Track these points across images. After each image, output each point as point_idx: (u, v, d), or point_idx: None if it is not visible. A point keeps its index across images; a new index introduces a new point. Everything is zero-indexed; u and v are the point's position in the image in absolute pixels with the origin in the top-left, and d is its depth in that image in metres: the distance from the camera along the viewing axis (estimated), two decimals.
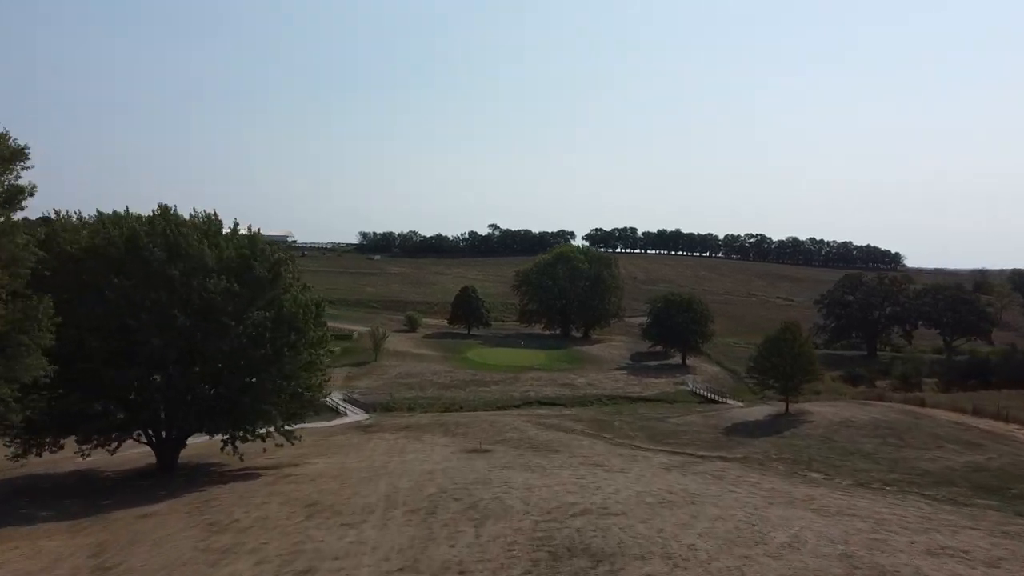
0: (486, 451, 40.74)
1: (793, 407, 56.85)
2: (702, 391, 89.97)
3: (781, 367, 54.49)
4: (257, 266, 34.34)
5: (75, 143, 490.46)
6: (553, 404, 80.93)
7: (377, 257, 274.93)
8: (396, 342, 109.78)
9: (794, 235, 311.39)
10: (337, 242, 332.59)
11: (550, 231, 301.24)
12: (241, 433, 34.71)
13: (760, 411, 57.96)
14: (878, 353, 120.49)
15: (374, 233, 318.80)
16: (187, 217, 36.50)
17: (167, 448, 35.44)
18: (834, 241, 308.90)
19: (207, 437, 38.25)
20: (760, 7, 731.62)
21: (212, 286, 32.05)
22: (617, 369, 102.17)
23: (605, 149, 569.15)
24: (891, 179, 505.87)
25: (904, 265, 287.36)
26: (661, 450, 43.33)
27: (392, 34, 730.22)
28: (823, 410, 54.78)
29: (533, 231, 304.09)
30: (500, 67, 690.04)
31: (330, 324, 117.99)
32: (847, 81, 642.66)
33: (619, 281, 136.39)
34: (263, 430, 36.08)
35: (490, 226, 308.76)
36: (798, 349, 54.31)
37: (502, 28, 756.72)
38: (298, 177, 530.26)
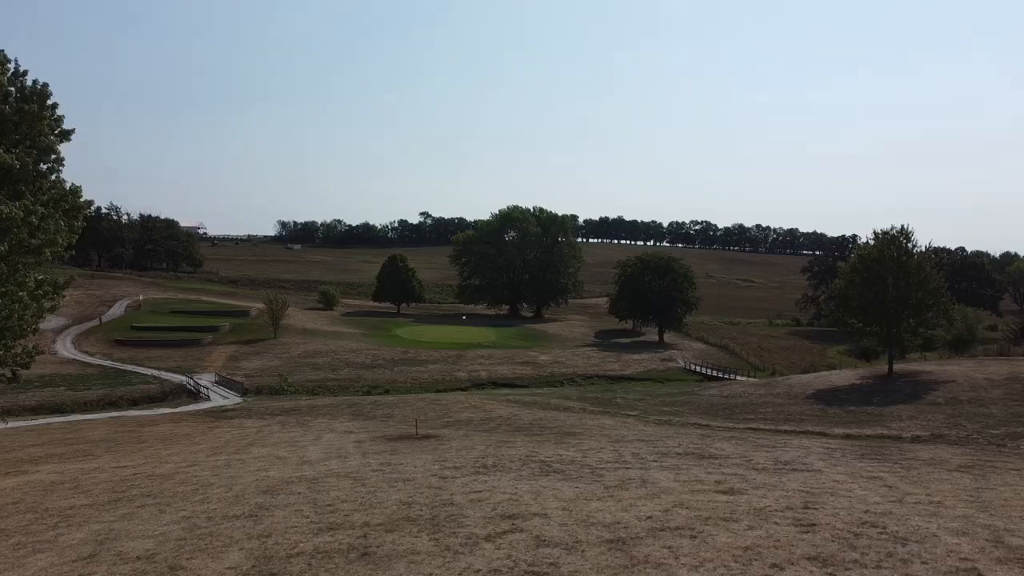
0: (427, 437, 19.55)
1: (879, 368, 37.68)
2: (698, 367, 70.78)
3: (887, 302, 34.92)
4: None
5: None
6: (512, 385, 60.41)
7: (297, 247, 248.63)
8: (305, 319, 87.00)
9: (739, 222, 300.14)
10: (254, 234, 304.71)
11: (484, 218, 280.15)
12: None
13: (843, 376, 38.35)
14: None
15: (294, 223, 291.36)
16: None
17: None
18: (780, 228, 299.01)
19: None
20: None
21: None
22: (583, 346, 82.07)
23: (539, 141, 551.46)
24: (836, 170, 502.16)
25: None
26: (762, 428, 23.04)
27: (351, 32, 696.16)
28: (947, 368, 35.54)
29: (467, 219, 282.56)
30: (427, 57, 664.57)
31: (224, 301, 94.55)
32: (794, 67, 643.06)
33: (577, 250, 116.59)
34: None
35: (421, 214, 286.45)
36: (915, 274, 34.73)
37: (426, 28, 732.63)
38: (223, 174, 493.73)
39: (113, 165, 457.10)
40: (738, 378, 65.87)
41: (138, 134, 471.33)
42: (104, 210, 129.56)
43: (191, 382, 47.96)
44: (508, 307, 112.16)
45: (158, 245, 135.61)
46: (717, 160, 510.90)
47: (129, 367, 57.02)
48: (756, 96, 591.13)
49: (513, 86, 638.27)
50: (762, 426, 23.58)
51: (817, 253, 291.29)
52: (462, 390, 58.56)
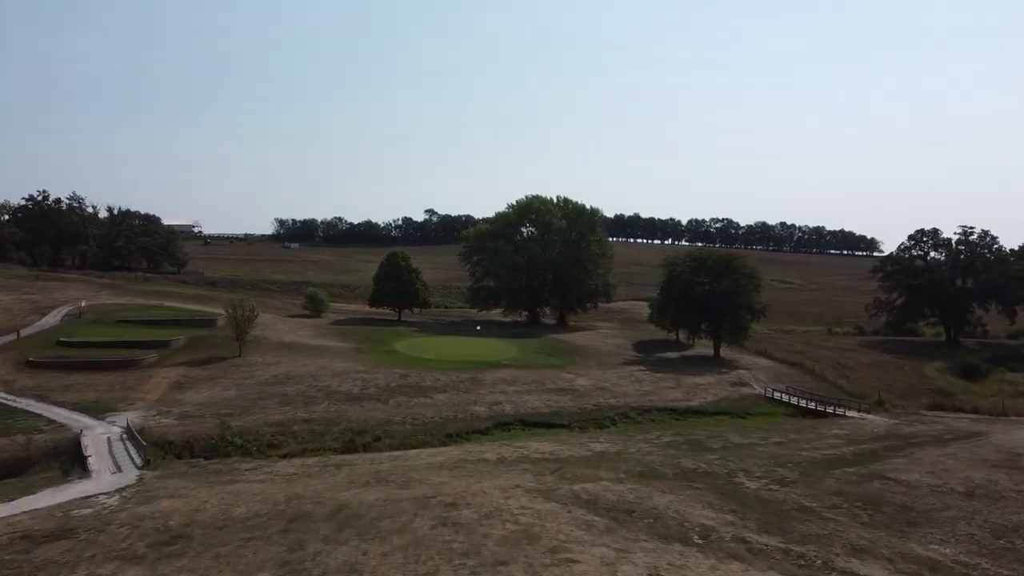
0: None
1: None
2: (784, 396, 54.76)
3: None
4: None
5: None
6: (550, 425, 44.83)
7: (294, 245, 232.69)
8: (285, 329, 71.25)
9: (762, 219, 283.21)
10: (252, 233, 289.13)
11: (493, 215, 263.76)
12: None
13: None
14: (960, 338, 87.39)
15: (293, 221, 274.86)
16: None
17: None
18: (806, 225, 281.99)
19: None
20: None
21: None
22: (627, 364, 65.98)
23: (548, 136, 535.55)
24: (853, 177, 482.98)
25: (881, 251, 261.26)
26: None
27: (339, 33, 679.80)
28: None
29: (475, 216, 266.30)
30: (449, 57, 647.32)
31: (190, 307, 77.80)
32: (820, 78, 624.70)
33: (607, 247, 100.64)
34: None
35: (426, 211, 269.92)
36: None
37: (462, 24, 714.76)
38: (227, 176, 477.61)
39: (112, 165, 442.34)
40: (848, 413, 49.91)
41: (136, 134, 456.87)
42: (65, 201, 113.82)
43: (85, 432, 32.22)
44: (527, 313, 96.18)
45: (130, 242, 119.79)
46: (732, 157, 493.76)
47: (24, 403, 41.33)
48: (777, 92, 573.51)
49: (521, 82, 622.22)
50: None
51: (846, 253, 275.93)
52: (481, 432, 42.93)
